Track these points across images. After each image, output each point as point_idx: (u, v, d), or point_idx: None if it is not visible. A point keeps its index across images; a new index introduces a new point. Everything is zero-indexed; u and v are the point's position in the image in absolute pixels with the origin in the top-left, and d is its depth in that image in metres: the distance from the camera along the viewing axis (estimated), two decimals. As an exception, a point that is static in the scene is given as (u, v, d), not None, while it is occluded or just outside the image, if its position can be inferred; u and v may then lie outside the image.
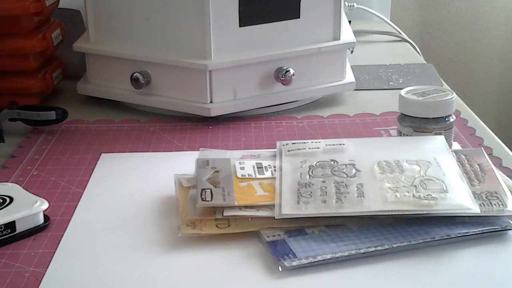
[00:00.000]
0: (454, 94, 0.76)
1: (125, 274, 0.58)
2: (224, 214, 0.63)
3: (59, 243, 0.63)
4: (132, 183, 0.74)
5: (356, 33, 1.09)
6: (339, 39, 0.97)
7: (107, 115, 0.96)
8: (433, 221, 0.62)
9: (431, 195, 0.62)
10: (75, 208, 0.69)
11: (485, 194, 0.65)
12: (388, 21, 1.43)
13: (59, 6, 1.06)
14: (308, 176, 0.67)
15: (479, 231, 0.61)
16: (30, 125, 0.90)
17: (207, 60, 0.89)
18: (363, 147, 0.72)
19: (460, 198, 0.62)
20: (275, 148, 0.74)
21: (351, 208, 0.62)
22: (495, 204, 0.63)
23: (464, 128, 0.88)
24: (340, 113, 0.95)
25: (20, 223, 0.63)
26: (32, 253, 0.61)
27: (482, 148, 0.76)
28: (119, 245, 0.62)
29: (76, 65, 1.09)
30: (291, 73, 0.92)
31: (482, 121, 0.91)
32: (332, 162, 0.69)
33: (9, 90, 0.98)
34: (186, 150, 0.83)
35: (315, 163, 0.69)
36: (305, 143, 0.73)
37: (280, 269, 0.57)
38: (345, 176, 0.66)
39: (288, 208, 0.62)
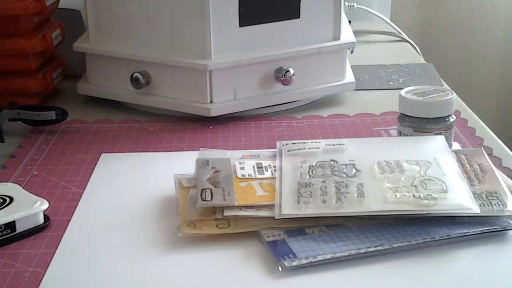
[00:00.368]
0: (454, 94, 0.76)
1: (125, 274, 0.58)
2: (224, 214, 0.63)
3: (59, 243, 0.63)
4: (132, 183, 0.74)
5: (356, 33, 1.09)
6: (339, 39, 0.97)
7: (107, 115, 0.96)
8: (433, 221, 0.62)
9: (431, 195, 0.62)
10: (75, 208, 0.69)
11: (485, 194, 0.65)
12: (388, 21, 1.43)
13: (59, 6, 1.06)
14: (308, 176, 0.67)
15: (479, 231, 0.61)
16: (30, 125, 0.90)
17: (207, 60, 0.89)
18: (363, 147, 0.72)
19: (460, 198, 0.62)
20: (275, 148, 0.74)
21: (351, 208, 0.62)
22: (495, 204, 0.63)
23: (464, 128, 0.88)
24: (340, 113, 0.95)
25: (20, 223, 0.63)
26: (32, 253, 0.61)
27: (482, 148, 0.76)
28: (119, 245, 0.62)
29: (76, 65, 1.09)
30: (291, 73, 0.92)
31: (482, 121, 0.91)
32: (332, 162, 0.69)
33: (9, 90, 0.98)
34: (186, 150, 0.83)
35: (315, 163, 0.69)
36: (305, 143, 0.73)
37: (280, 269, 0.57)
38: (345, 176, 0.66)
39: (288, 208, 0.62)
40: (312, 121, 0.92)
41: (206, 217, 0.63)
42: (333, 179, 0.66)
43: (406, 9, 1.96)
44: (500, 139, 0.86)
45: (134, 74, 0.92)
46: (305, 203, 0.62)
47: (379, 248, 0.59)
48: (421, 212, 0.61)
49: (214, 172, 0.68)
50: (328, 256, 0.58)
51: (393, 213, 0.61)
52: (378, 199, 0.62)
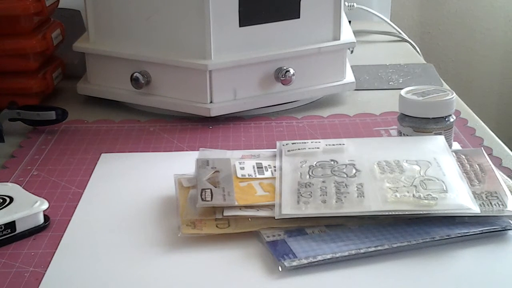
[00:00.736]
0: (454, 94, 0.76)
1: (125, 274, 0.58)
2: (224, 214, 0.63)
3: (59, 243, 0.63)
4: (132, 183, 0.74)
5: (356, 33, 1.09)
6: (339, 39, 0.97)
7: (107, 115, 0.96)
8: (433, 221, 0.62)
9: (431, 195, 0.62)
10: (75, 208, 0.69)
11: (485, 194, 0.65)
12: (388, 21, 1.43)
13: (59, 6, 1.06)
14: (308, 176, 0.67)
15: (479, 231, 0.61)
16: (30, 125, 0.90)
17: (207, 60, 0.89)
18: (363, 147, 0.72)
19: (460, 198, 0.62)
20: (275, 148, 0.74)
21: (351, 208, 0.62)
22: (495, 204, 0.63)
23: (464, 128, 0.88)
24: (340, 113, 0.95)
25: (20, 223, 0.63)
26: (32, 253, 0.61)
27: (482, 148, 0.76)
28: (119, 245, 0.62)
29: (76, 65, 1.09)
30: (291, 73, 0.92)
31: (482, 121, 0.91)
32: (332, 162, 0.69)
33: (9, 90, 0.98)
34: (186, 150, 0.83)
35: (315, 163, 0.69)
36: (305, 143, 0.73)
37: (280, 269, 0.57)
38: (345, 176, 0.66)
39: (288, 208, 0.62)
40: (312, 121, 0.92)
41: (206, 217, 0.63)
42: (333, 179, 0.66)
43: (406, 9, 1.96)
44: (500, 139, 0.86)
45: (134, 74, 0.92)
46: (305, 203, 0.62)
47: (379, 248, 0.59)
48: (421, 212, 0.61)
49: (214, 172, 0.68)
50: (328, 256, 0.58)
51: (393, 213, 0.61)
52: (378, 199, 0.62)
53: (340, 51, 0.98)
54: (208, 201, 0.63)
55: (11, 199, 0.66)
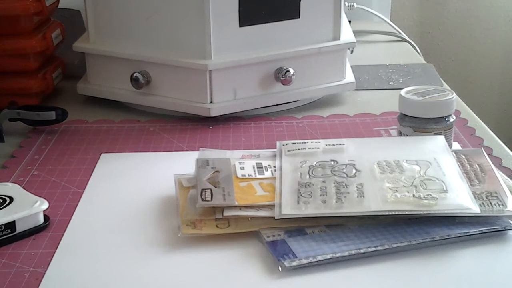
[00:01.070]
0: (454, 94, 0.76)
1: (125, 274, 0.58)
2: (224, 214, 0.63)
3: (59, 243, 0.63)
4: (132, 183, 0.74)
5: (356, 33, 1.09)
6: (339, 39, 0.97)
7: (107, 115, 0.96)
8: (433, 221, 0.62)
9: (431, 195, 0.62)
10: (75, 208, 0.69)
11: (485, 194, 0.65)
12: (388, 21, 1.43)
13: (59, 6, 1.06)
14: (308, 176, 0.67)
15: (479, 231, 0.61)
16: (30, 125, 0.90)
17: (207, 60, 0.89)
18: (363, 147, 0.72)
19: (460, 198, 0.62)
20: (275, 148, 0.74)
21: (351, 208, 0.62)
22: (495, 204, 0.63)
23: (464, 128, 0.88)
24: (340, 113, 0.95)
25: (20, 223, 0.63)
26: (32, 253, 0.61)
27: (482, 148, 0.76)
28: (119, 245, 0.62)
29: (76, 65, 1.09)
30: (291, 73, 0.92)
31: (482, 121, 0.91)
32: (332, 162, 0.69)
33: (9, 90, 0.98)
34: (186, 150, 0.83)
35: (315, 163, 0.69)
36: (305, 143, 0.73)
37: (280, 269, 0.57)
38: (345, 176, 0.66)
39: (288, 208, 0.62)
40: (312, 121, 0.92)
41: (206, 217, 0.63)
42: (333, 179, 0.66)
43: (406, 9, 1.96)
44: (500, 139, 0.86)
45: (134, 74, 0.92)
46: (305, 203, 0.62)
47: (379, 248, 0.59)
48: (421, 212, 0.61)
49: (214, 172, 0.68)
50: (328, 256, 0.58)
51: (393, 213, 0.61)
52: (378, 199, 0.62)
53: (340, 51, 0.98)
54: (208, 201, 0.63)
55: (11, 199, 0.66)
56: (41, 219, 0.65)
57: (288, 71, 0.92)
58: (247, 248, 0.61)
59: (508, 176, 0.71)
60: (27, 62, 0.98)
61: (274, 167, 0.70)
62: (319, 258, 0.58)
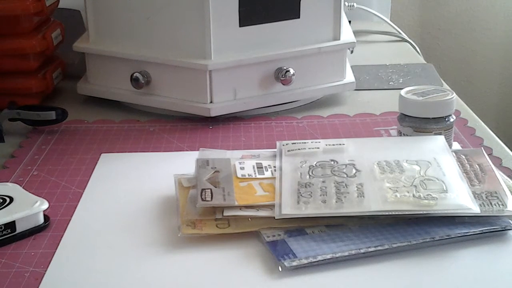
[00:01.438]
0: (454, 94, 0.76)
1: (125, 274, 0.58)
2: (224, 214, 0.63)
3: (59, 243, 0.63)
4: (132, 183, 0.74)
5: (356, 33, 1.09)
6: (339, 39, 0.97)
7: (107, 115, 0.96)
8: (433, 221, 0.62)
9: (431, 195, 0.62)
10: (75, 208, 0.69)
11: (485, 194, 0.65)
12: (388, 21, 1.43)
13: (59, 6, 1.06)
14: (308, 176, 0.67)
15: (479, 231, 0.61)
16: (30, 125, 0.90)
17: (207, 60, 0.89)
18: (363, 147, 0.72)
19: (460, 198, 0.62)
20: (275, 148, 0.74)
21: (351, 208, 0.62)
22: (495, 204, 0.63)
23: (464, 128, 0.88)
24: (340, 113, 0.95)
25: (20, 223, 0.63)
26: (32, 253, 0.61)
27: (482, 148, 0.76)
28: (119, 245, 0.62)
29: (76, 65, 1.09)
30: (291, 73, 0.92)
31: (482, 121, 0.91)
32: (332, 162, 0.69)
33: (9, 90, 0.98)
34: (186, 150, 0.83)
35: (315, 163, 0.69)
36: (305, 143, 0.73)
37: (280, 269, 0.57)
38: (345, 176, 0.66)
39: (288, 208, 0.62)
40: (312, 121, 0.92)
41: (206, 217, 0.63)
42: (333, 179, 0.66)
43: (406, 9, 1.96)
44: (500, 139, 0.86)
45: (134, 74, 0.92)
46: (305, 203, 0.62)
47: (379, 248, 0.59)
48: (421, 212, 0.61)
49: (214, 172, 0.68)
50: (328, 256, 0.58)
51: (393, 213, 0.61)
52: (378, 199, 0.62)
53: (340, 51, 0.98)
54: (208, 201, 0.63)
55: (11, 199, 0.66)
56: (41, 219, 0.65)
57: (288, 71, 0.92)
58: (247, 248, 0.61)
59: (508, 176, 0.71)
60: (27, 62, 0.98)
61: (274, 167, 0.70)
62: (319, 258, 0.58)
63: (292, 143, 0.73)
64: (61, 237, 0.64)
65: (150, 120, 0.93)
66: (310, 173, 0.67)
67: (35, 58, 0.98)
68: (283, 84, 0.93)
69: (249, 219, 0.63)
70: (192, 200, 0.65)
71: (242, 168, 0.69)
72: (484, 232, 0.61)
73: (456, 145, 0.81)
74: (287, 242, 0.60)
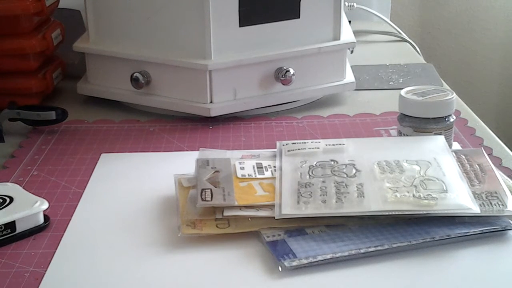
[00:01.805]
0: (454, 94, 0.76)
1: (125, 274, 0.58)
2: (224, 214, 0.63)
3: (59, 243, 0.63)
4: (132, 183, 0.74)
5: (356, 33, 1.09)
6: (339, 39, 0.97)
7: (107, 115, 0.96)
8: (433, 221, 0.62)
9: (431, 195, 0.62)
10: (75, 208, 0.69)
11: (485, 194, 0.65)
12: (388, 21, 1.43)
13: (59, 6, 1.06)
14: (308, 176, 0.67)
15: (479, 231, 0.61)
16: (30, 125, 0.90)
17: (207, 60, 0.89)
18: (363, 147, 0.72)
19: (460, 198, 0.62)
20: (275, 148, 0.74)
21: (351, 208, 0.62)
22: (495, 204, 0.63)
23: (464, 128, 0.88)
24: (340, 113, 0.95)
25: (20, 223, 0.63)
26: (32, 253, 0.61)
27: (482, 148, 0.76)
28: (119, 245, 0.62)
29: (76, 65, 1.09)
30: (291, 73, 0.92)
31: (482, 121, 0.91)
32: (332, 162, 0.69)
33: (9, 90, 0.98)
34: (186, 150, 0.83)
35: (315, 163, 0.69)
36: (305, 143, 0.73)
37: (280, 269, 0.57)
38: (345, 176, 0.66)
39: (288, 208, 0.62)
40: (312, 121, 0.92)
41: (206, 217, 0.63)
42: (333, 179, 0.66)
43: (406, 9, 1.96)
44: (500, 139, 0.86)
45: (134, 74, 0.92)
46: (305, 203, 0.62)
47: (379, 248, 0.59)
48: (421, 212, 0.61)
49: (214, 172, 0.68)
50: (328, 256, 0.58)
51: (393, 213, 0.61)
52: (378, 199, 0.62)
53: (340, 51, 0.98)
54: (208, 201, 0.63)
55: (11, 199, 0.66)
56: (41, 219, 0.65)
57: (288, 71, 0.92)
58: (247, 248, 0.61)
59: (508, 176, 0.71)
60: (27, 62, 0.98)
61: (274, 167, 0.70)
62: (319, 258, 0.58)
63: (292, 143, 0.73)
64: (61, 237, 0.64)
65: (150, 120, 0.93)
66: (310, 173, 0.67)
67: (35, 58, 0.98)
68: (283, 84, 0.93)
69: (249, 219, 0.63)
70: (192, 200, 0.65)
71: (242, 168, 0.69)
72: (484, 232, 0.61)
73: (456, 145, 0.81)
74: (287, 242, 0.60)
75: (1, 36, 0.96)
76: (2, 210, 0.64)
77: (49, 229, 0.65)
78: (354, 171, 0.67)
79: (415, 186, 0.64)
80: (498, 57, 2.01)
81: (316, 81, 0.97)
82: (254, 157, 0.72)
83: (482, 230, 0.61)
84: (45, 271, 0.58)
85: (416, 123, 0.75)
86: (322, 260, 0.58)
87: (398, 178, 0.65)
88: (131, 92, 0.95)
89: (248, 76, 0.92)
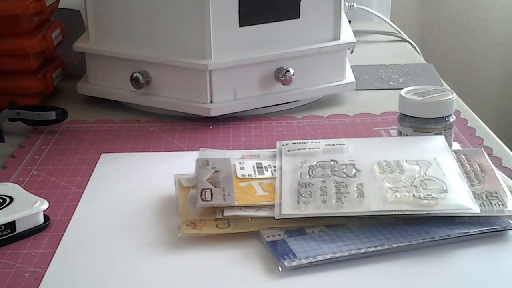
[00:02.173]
0: (454, 94, 0.76)
1: (125, 274, 0.58)
2: (224, 214, 0.63)
3: (59, 243, 0.63)
4: (132, 183, 0.74)
5: (356, 33, 1.09)
6: (339, 39, 0.97)
7: (107, 115, 0.96)
8: (433, 221, 0.62)
9: (431, 195, 0.62)
10: (75, 208, 0.69)
11: (485, 194, 0.65)
12: (388, 21, 1.43)
13: (59, 6, 1.06)
14: (308, 176, 0.67)
15: (479, 231, 0.61)
16: (30, 125, 0.90)
17: (207, 60, 0.89)
18: (363, 147, 0.72)
19: (460, 198, 0.62)
20: (275, 148, 0.74)
21: (351, 208, 0.62)
22: (495, 204, 0.63)
23: (464, 128, 0.88)
24: (340, 113, 0.95)
25: (20, 223, 0.63)
26: (32, 253, 0.61)
27: (482, 148, 0.76)
28: (119, 245, 0.62)
29: (76, 65, 1.09)
30: (291, 73, 0.92)
31: (482, 121, 0.91)
32: (332, 162, 0.69)
33: (9, 90, 0.98)
34: (186, 150, 0.83)
35: (315, 163, 0.69)
36: (305, 143, 0.73)
37: (280, 269, 0.57)
38: (345, 176, 0.66)
39: (288, 208, 0.62)
40: (312, 121, 0.92)
41: (206, 217, 0.63)
42: (333, 179, 0.66)
43: (406, 9, 1.96)
44: (500, 139, 0.86)
45: (134, 74, 0.92)
46: (305, 203, 0.62)
47: (379, 248, 0.59)
48: (421, 212, 0.61)
49: (214, 172, 0.68)
50: (328, 256, 0.58)
51: (393, 213, 0.61)
52: (378, 199, 0.62)
53: (340, 51, 0.98)
54: (208, 201, 0.63)
55: (11, 199, 0.66)
56: (41, 219, 0.65)
57: (288, 71, 0.92)
58: (247, 248, 0.61)
59: (508, 176, 0.71)
60: (27, 62, 0.98)
61: (274, 167, 0.70)
62: (319, 258, 0.58)
63: (292, 143, 0.73)
64: (61, 237, 0.64)
65: (150, 120, 0.93)
66: (310, 173, 0.67)
67: (35, 58, 0.98)
68: (283, 84, 0.93)
69: (249, 219, 0.63)
70: (192, 200, 0.65)
71: (242, 168, 0.69)
72: (484, 232, 0.61)
73: (456, 145, 0.81)
74: (287, 242, 0.60)
75: (1, 36, 0.96)
76: (2, 210, 0.64)
77: (49, 229, 0.65)
78: (354, 171, 0.67)
79: (415, 186, 0.64)
80: (498, 57, 2.01)
81: (316, 81, 0.97)
82: (254, 157, 0.72)
83: (482, 230, 0.61)
84: (45, 271, 0.58)
85: (416, 123, 0.75)
86: (322, 260, 0.58)
87: (398, 178, 0.65)
88: (131, 92, 0.95)
89: (248, 76, 0.92)
